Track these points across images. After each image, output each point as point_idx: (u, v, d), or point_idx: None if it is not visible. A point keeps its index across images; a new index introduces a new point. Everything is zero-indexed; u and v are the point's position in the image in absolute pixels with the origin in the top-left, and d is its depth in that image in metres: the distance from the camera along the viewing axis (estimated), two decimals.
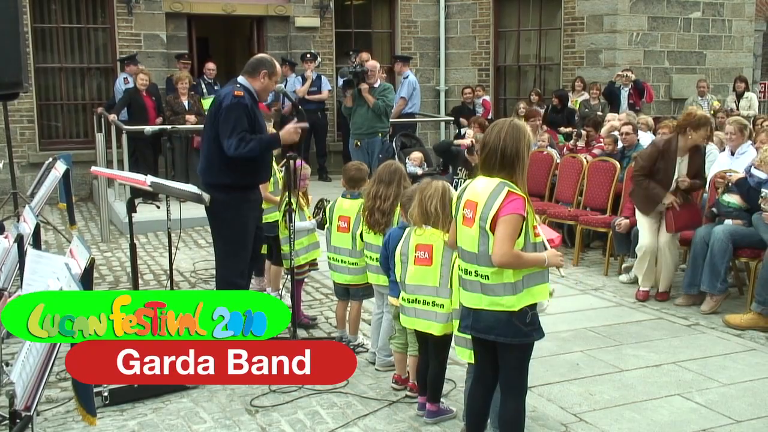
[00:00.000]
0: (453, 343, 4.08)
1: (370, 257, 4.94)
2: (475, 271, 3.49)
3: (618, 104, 11.65)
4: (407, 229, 4.28)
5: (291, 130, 5.18)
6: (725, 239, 6.11)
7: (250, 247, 5.31)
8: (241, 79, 5.16)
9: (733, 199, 6.30)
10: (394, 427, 4.23)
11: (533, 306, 3.49)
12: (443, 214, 4.05)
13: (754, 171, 6.20)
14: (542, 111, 11.45)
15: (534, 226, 3.49)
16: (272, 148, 5.33)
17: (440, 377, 4.29)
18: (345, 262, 5.16)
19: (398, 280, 4.30)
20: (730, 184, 6.36)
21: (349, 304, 5.36)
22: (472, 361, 3.88)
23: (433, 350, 4.25)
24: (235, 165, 5.04)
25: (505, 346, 3.50)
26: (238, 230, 5.20)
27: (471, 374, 3.99)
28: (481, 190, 3.46)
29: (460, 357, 4.01)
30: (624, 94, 11.76)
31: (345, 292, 5.34)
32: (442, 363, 4.28)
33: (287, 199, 5.28)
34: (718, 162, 7.20)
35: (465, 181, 7.64)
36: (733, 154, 7.07)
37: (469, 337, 3.87)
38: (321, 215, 5.62)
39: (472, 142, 8.03)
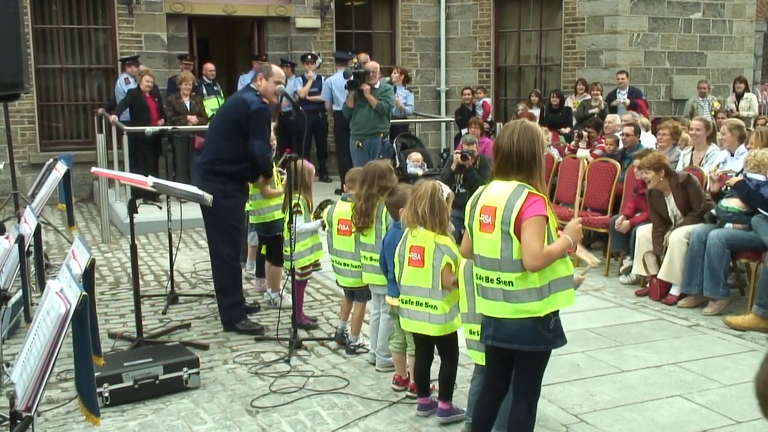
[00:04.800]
0: (466, 347, 4.07)
1: (365, 257, 4.96)
2: (497, 278, 3.40)
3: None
4: (405, 230, 4.29)
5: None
6: (721, 244, 6.09)
7: (242, 237, 5.95)
8: (253, 85, 5.77)
9: (732, 203, 6.18)
10: (395, 428, 4.23)
11: (556, 312, 3.43)
12: (431, 214, 4.05)
13: (750, 174, 6.16)
14: (536, 114, 11.52)
15: (557, 228, 3.47)
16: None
17: (452, 376, 4.29)
18: (348, 265, 5.16)
19: (396, 280, 4.31)
20: (728, 188, 6.29)
21: (353, 304, 5.37)
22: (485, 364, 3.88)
23: (442, 350, 4.26)
24: (240, 159, 5.66)
25: (526, 353, 3.43)
26: (235, 216, 5.80)
27: (479, 375, 3.98)
28: (499, 194, 3.39)
29: (474, 360, 3.98)
30: (620, 108, 11.75)
31: (351, 294, 5.35)
32: (453, 362, 4.28)
33: (292, 200, 5.29)
34: (719, 162, 7.19)
35: (462, 186, 7.69)
36: (732, 155, 7.06)
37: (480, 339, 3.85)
38: (321, 217, 5.64)
39: (462, 147, 7.99)
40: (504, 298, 3.39)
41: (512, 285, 3.35)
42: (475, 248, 3.52)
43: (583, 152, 4.10)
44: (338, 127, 11.35)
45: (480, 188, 3.58)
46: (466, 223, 3.60)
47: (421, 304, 4.14)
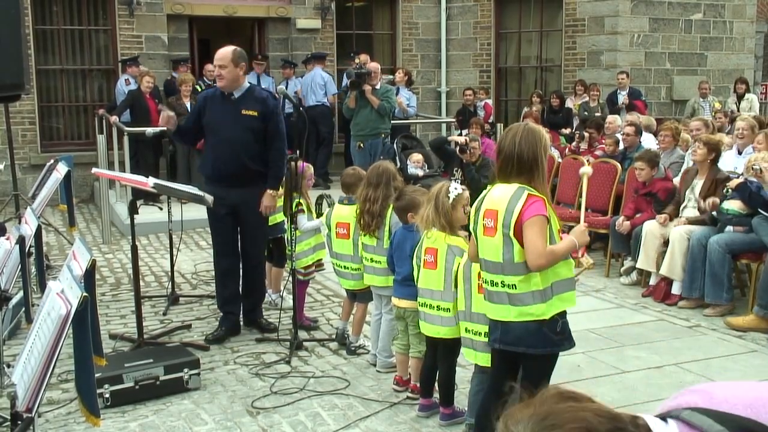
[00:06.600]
0: (461, 345, 4.08)
1: (366, 258, 4.96)
2: (501, 282, 3.40)
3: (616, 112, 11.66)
4: (423, 232, 4.29)
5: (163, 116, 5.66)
6: (721, 250, 6.08)
7: (218, 237, 5.69)
8: None
9: (733, 206, 6.17)
10: (395, 429, 4.23)
11: (563, 314, 3.42)
12: (435, 215, 4.05)
13: (750, 178, 6.16)
14: (537, 115, 11.52)
15: (559, 230, 3.45)
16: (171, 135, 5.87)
17: (450, 380, 4.29)
18: (348, 268, 5.16)
19: (416, 284, 4.31)
20: (730, 190, 6.27)
21: (355, 306, 5.37)
22: (478, 362, 3.88)
23: (441, 354, 4.26)
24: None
25: (532, 356, 3.42)
26: (209, 216, 5.68)
27: (478, 375, 3.99)
28: (499, 197, 3.38)
29: (467, 358, 4.00)
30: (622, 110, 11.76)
31: (353, 295, 5.35)
32: (452, 366, 4.28)
33: (292, 200, 5.29)
34: (723, 161, 7.17)
35: (460, 181, 7.70)
36: (740, 153, 7.05)
37: (475, 338, 3.86)
38: (319, 212, 5.65)
39: (466, 140, 8.02)
40: (509, 301, 3.38)
41: (515, 288, 3.35)
42: (480, 252, 3.51)
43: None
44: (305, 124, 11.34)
45: (484, 192, 3.57)
46: (471, 228, 3.60)
47: (433, 307, 4.14)
